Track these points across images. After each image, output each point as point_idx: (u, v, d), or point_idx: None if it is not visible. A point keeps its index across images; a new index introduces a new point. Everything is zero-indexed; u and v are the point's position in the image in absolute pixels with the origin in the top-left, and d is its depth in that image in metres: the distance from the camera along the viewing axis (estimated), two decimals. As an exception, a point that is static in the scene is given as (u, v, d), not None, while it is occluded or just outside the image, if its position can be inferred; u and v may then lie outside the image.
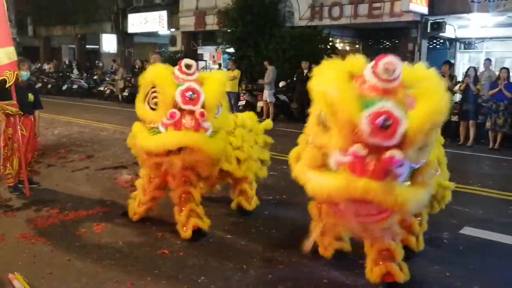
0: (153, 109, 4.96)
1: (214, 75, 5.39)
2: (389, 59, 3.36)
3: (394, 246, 4.09)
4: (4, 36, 6.61)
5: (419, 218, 4.82)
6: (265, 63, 16.27)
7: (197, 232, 5.32)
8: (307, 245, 4.35)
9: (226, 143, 5.42)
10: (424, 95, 3.31)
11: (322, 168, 3.59)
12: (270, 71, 15.88)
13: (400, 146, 3.19)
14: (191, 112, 4.85)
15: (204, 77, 5.23)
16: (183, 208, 5.32)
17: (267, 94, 15.98)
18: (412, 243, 4.76)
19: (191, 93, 4.84)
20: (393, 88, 3.36)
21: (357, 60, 3.71)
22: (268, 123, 6.50)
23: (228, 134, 5.67)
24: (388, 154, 3.13)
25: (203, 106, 4.90)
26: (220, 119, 5.20)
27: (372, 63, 3.47)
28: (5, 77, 6.45)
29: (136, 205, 5.83)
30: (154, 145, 4.87)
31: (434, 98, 3.26)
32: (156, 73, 5.04)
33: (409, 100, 3.37)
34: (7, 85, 6.48)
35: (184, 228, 5.31)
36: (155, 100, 4.95)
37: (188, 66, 5.02)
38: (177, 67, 5.08)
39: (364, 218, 3.57)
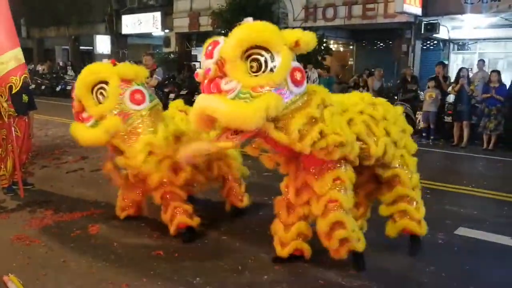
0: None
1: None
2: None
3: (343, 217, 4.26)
4: (11, 37, 6.62)
5: (414, 204, 4.84)
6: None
7: (188, 231, 5.32)
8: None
9: (109, 127, 5.11)
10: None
11: None
12: None
13: (222, 68, 3.80)
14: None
15: None
16: (167, 208, 5.30)
17: None
18: (416, 229, 4.83)
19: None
20: None
21: None
22: None
23: None
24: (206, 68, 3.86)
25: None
26: (103, 106, 5.08)
27: None
28: (12, 83, 6.48)
29: (121, 199, 5.93)
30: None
31: (246, 26, 3.89)
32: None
33: None
34: (14, 91, 6.51)
35: (170, 225, 5.31)
36: None
37: None
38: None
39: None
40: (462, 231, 5.85)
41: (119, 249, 5.08)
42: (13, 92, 6.55)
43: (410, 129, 5.01)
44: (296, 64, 3.96)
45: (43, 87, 24.80)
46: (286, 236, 4.63)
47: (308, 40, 3.98)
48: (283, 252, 4.68)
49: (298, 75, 3.93)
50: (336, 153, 4.09)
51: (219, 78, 3.78)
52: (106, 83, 5.09)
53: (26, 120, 7.12)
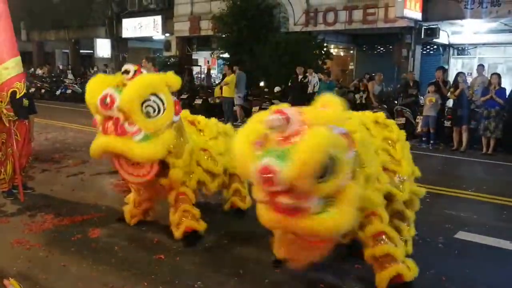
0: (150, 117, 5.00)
1: (136, 80, 5.03)
2: (273, 116, 3.50)
3: (393, 249, 4.12)
4: (13, 46, 6.69)
5: (406, 223, 4.84)
6: (234, 67, 16.58)
7: (193, 235, 5.33)
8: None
9: (167, 142, 5.05)
10: (300, 144, 3.38)
11: None
12: (239, 76, 16.23)
13: (291, 188, 3.38)
14: (111, 118, 4.88)
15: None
16: (177, 210, 5.36)
17: (236, 99, 16.25)
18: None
19: (107, 99, 4.84)
20: (289, 136, 3.47)
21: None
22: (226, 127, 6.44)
23: (212, 139, 5.84)
24: (277, 200, 3.45)
25: (121, 110, 4.83)
26: (158, 121, 4.94)
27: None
28: (16, 89, 6.53)
29: (133, 207, 5.85)
30: (91, 149, 5.08)
31: (306, 148, 3.32)
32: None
33: None
34: (17, 96, 6.55)
35: (176, 227, 5.35)
36: None
37: (126, 72, 5.01)
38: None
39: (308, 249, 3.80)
40: (462, 235, 5.86)
41: (120, 253, 5.08)
42: (17, 97, 6.60)
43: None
44: None
45: (43, 90, 24.80)
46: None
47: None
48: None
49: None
50: None
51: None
52: (155, 95, 4.93)
53: (26, 124, 7.13)
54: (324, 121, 3.46)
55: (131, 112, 4.77)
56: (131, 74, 4.94)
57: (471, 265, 4.98)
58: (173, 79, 5.15)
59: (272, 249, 4.75)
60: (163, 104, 4.94)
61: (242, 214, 6.31)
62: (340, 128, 3.56)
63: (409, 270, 4.16)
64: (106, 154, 5.01)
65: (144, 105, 4.85)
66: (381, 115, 4.89)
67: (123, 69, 5.03)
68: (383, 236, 4.15)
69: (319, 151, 3.28)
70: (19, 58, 6.74)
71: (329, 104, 3.62)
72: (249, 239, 5.54)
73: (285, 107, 3.68)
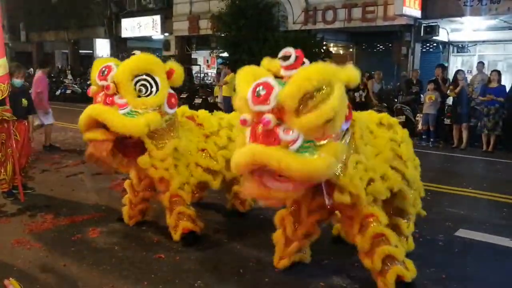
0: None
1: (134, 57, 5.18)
2: (287, 49, 3.69)
3: (393, 250, 4.11)
4: (1, 46, 6.62)
5: (405, 220, 4.84)
6: (221, 66, 17.08)
7: (190, 235, 5.32)
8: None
9: (153, 124, 4.97)
10: (300, 70, 3.57)
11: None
12: (224, 74, 16.63)
13: (280, 113, 3.46)
14: (103, 87, 4.94)
15: None
16: (172, 213, 5.33)
17: (221, 97, 16.54)
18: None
19: (104, 69, 4.95)
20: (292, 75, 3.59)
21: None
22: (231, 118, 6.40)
23: (212, 135, 5.75)
24: (264, 117, 3.43)
25: (113, 81, 4.90)
26: (148, 100, 4.93)
27: None
28: None
29: (129, 208, 5.84)
30: (80, 119, 5.03)
31: (305, 70, 3.52)
32: None
33: None
34: (0, 98, 6.50)
35: (174, 230, 5.35)
36: None
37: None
38: None
39: (275, 188, 3.63)
40: (462, 232, 5.86)
41: (120, 253, 5.08)
42: (0, 98, 6.51)
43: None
44: None
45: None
46: (286, 250, 4.63)
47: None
48: (280, 264, 4.69)
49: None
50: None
51: (276, 127, 3.44)
52: (150, 75, 4.96)
53: (26, 124, 7.13)
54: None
55: (122, 85, 4.85)
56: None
57: (471, 263, 4.98)
58: (175, 67, 5.22)
59: (274, 247, 4.77)
60: (156, 86, 4.97)
61: (242, 215, 6.34)
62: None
63: (408, 270, 4.14)
64: (90, 121, 4.92)
65: (138, 83, 4.90)
66: (385, 115, 4.90)
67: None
68: (383, 238, 4.11)
69: (315, 73, 3.41)
70: (4, 59, 6.61)
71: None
72: (249, 238, 5.54)
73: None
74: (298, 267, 4.71)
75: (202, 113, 6.06)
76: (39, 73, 10.93)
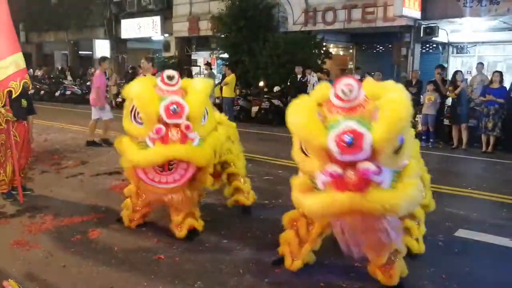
0: (139, 123, 5.00)
1: (197, 84, 5.35)
2: (346, 81, 3.63)
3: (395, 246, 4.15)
4: (12, 42, 6.62)
5: (417, 221, 4.85)
6: (204, 66, 17.89)
7: (192, 232, 5.43)
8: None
9: (215, 145, 5.44)
10: (385, 105, 3.47)
11: (312, 191, 3.82)
12: (208, 75, 17.05)
13: (372, 156, 3.39)
14: (177, 125, 4.91)
15: (187, 85, 5.29)
16: (180, 212, 5.41)
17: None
18: (414, 247, 4.81)
19: (175, 106, 4.89)
20: (356, 106, 3.59)
21: (324, 88, 3.93)
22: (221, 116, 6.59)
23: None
24: (361, 166, 3.37)
25: (187, 118, 4.96)
26: (207, 126, 5.27)
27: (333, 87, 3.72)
28: (11, 88, 6.47)
29: (132, 212, 5.84)
30: (143, 160, 4.93)
31: (395, 107, 3.42)
32: (136, 92, 5.03)
33: (376, 113, 3.57)
34: (13, 96, 6.51)
35: (179, 227, 5.41)
36: (141, 114, 4.99)
37: (170, 78, 5.13)
38: (159, 78, 5.18)
39: (367, 233, 3.78)
40: (462, 232, 5.86)
41: (120, 254, 5.07)
42: (13, 97, 6.54)
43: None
44: None
45: (42, 92, 24.80)
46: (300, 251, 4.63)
47: None
48: (293, 266, 4.66)
49: None
50: None
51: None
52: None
53: (26, 125, 7.12)
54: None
55: (196, 120, 5.08)
56: (175, 80, 5.18)
57: (471, 263, 4.98)
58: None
59: (274, 248, 4.77)
60: (206, 112, 5.27)
61: (249, 211, 6.38)
62: None
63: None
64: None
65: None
66: None
67: (166, 74, 5.18)
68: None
69: (405, 110, 3.36)
70: (16, 55, 6.59)
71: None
72: (249, 239, 5.54)
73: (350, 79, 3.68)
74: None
75: None
76: (97, 71, 11.94)
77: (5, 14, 6.59)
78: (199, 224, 5.51)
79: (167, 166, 5.03)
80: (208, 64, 18.92)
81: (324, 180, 3.55)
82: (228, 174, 6.18)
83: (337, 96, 3.64)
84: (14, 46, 6.65)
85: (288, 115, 3.77)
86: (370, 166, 3.34)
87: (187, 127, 4.90)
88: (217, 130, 5.81)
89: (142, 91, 5.02)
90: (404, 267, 4.26)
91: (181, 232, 5.38)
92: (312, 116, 3.62)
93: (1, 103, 6.53)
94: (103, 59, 12.21)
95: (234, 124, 6.75)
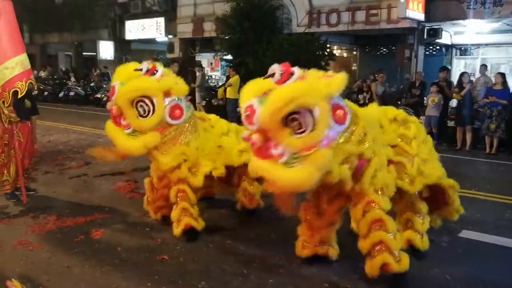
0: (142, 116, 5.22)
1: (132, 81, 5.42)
2: (272, 66, 4.06)
3: (386, 237, 4.19)
4: (17, 44, 6.65)
5: (421, 217, 4.86)
6: (196, 68, 18.24)
7: (191, 232, 5.43)
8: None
9: (150, 144, 5.35)
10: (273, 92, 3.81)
11: None
12: (200, 76, 17.61)
13: (263, 131, 3.77)
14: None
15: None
16: (177, 207, 5.47)
17: (197, 96, 17.41)
18: (417, 242, 4.85)
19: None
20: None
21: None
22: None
23: (222, 135, 5.93)
24: (252, 136, 3.82)
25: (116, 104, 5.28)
26: (148, 122, 5.24)
27: None
28: (17, 89, 6.50)
29: (146, 204, 6.07)
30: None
31: (276, 92, 3.75)
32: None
33: None
34: (19, 96, 6.53)
35: (176, 224, 5.46)
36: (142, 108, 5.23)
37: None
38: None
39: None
40: (465, 234, 5.85)
41: (123, 254, 5.08)
42: (19, 97, 6.57)
43: (436, 154, 5.14)
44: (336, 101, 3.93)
45: (46, 93, 24.83)
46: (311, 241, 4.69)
47: None
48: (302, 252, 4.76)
49: (340, 113, 3.91)
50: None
51: (269, 142, 3.77)
52: (148, 97, 5.22)
53: (29, 125, 7.12)
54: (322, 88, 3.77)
55: (123, 108, 5.21)
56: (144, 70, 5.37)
57: (475, 264, 4.97)
58: (173, 87, 5.40)
59: (278, 248, 4.76)
60: (153, 107, 5.23)
61: (252, 214, 6.38)
62: (337, 99, 3.90)
63: (399, 263, 4.22)
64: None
65: (138, 105, 5.21)
66: (401, 112, 4.99)
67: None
68: (380, 223, 4.24)
69: (283, 96, 3.67)
70: (22, 56, 6.63)
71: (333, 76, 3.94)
72: (253, 239, 5.54)
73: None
74: (301, 267, 4.71)
75: (214, 117, 6.31)
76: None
77: (10, 15, 6.61)
78: (198, 224, 5.49)
79: None
80: (200, 66, 19.69)
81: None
82: (238, 175, 6.22)
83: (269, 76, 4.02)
84: (20, 47, 6.68)
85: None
86: (254, 137, 3.77)
87: (111, 111, 5.32)
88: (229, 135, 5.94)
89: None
90: (391, 260, 4.20)
91: (177, 230, 5.43)
92: (249, 93, 4.00)
93: (7, 103, 6.56)
94: (173, 60, 12.29)
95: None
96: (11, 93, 6.49)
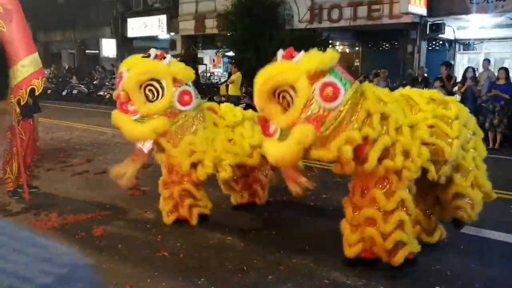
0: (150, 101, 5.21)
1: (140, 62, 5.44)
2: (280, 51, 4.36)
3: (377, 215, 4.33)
4: (28, 43, 6.71)
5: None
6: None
7: (202, 217, 5.75)
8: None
9: (160, 129, 5.29)
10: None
11: None
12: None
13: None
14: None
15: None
16: (184, 204, 5.62)
17: None
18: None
19: (118, 76, 5.41)
20: None
21: None
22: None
23: (235, 125, 5.87)
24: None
25: (124, 90, 5.22)
26: (158, 105, 5.21)
27: None
28: (34, 86, 6.56)
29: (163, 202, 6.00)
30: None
31: (262, 70, 4.15)
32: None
33: None
34: (36, 93, 6.60)
35: (168, 214, 5.76)
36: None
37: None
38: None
39: None
40: (468, 230, 5.81)
41: (124, 251, 5.08)
42: (36, 94, 6.65)
43: (481, 133, 5.13)
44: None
45: (49, 91, 24.85)
46: (352, 237, 4.60)
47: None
48: (349, 252, 4.63)
49: (328, 90, 4.00)
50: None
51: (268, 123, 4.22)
52: (157, 80, 5.20)
53: (31, 123, 7.14)
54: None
55: (130, 93, 5.16)
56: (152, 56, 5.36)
57: (477, 260, 4.95)
58: (181, 72, 5.38)
59: (278, 245, 4.75)
60: (162, 90, 5.21)
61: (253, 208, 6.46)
62: (329, 77, 3.96)
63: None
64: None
65: (146, 89, 5.18)
66: (436, 92, 5.00)
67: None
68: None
69: (264, 76, 4.06)
70: (34, 55, 6.76)
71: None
72: (253, 236, 5.54)
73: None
74: (302, 264, 4.70)
75: (225, 106, 6.29)
76: None
77: (21, 16, 6.67)
78: (207, 209, 5.82)
79: None
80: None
81: None
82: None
83: None
84: (31, 45, 6.78)
85: None
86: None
87: (117, 97, 5.32)
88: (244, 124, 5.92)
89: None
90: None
91: (192, 221, 5.68)
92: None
93: (23, 101, 6.60)
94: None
95: None
96: (28, 90, 6.55)
